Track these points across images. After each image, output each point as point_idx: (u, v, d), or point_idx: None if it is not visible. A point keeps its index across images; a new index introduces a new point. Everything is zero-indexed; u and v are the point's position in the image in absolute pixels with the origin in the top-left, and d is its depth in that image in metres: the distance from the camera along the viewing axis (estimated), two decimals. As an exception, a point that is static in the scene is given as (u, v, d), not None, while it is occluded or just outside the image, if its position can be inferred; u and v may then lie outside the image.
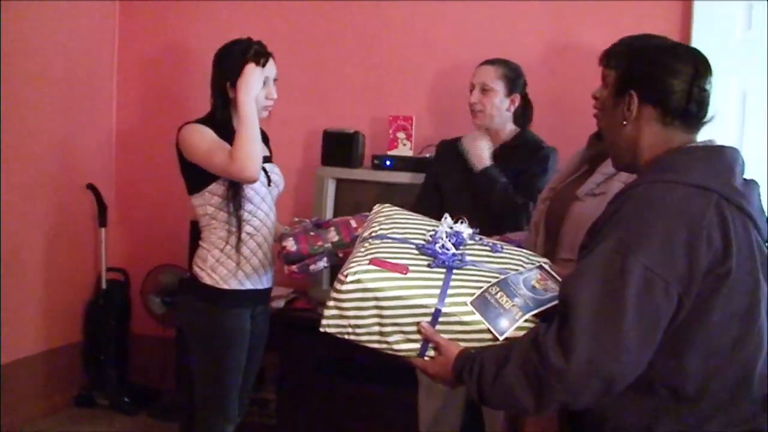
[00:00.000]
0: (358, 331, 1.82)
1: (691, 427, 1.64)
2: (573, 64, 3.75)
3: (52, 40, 4.14)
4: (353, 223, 2.62)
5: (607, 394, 1.59)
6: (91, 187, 4.38)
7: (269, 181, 2.92)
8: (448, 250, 1.86)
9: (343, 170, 3.82)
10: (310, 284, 3.78)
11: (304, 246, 2.62)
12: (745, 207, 1.66)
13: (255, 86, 2.78)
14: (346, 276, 1.79)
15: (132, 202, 4.62)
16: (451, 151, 3.35)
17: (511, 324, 1.72)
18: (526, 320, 1.73)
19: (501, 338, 1.72)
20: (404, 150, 3.86)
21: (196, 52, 4.19)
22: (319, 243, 2.62)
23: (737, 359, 1.65)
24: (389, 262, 1.82)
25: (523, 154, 3.22)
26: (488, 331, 1.73)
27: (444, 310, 1.76)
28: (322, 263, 2.65)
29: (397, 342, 1.81)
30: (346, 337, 1.85)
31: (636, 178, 1.78)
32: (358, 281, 1.79)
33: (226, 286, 2.84)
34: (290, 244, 2.62)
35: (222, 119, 2.83)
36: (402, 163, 3.77)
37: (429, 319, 1.77)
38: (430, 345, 1.79)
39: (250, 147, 2.70)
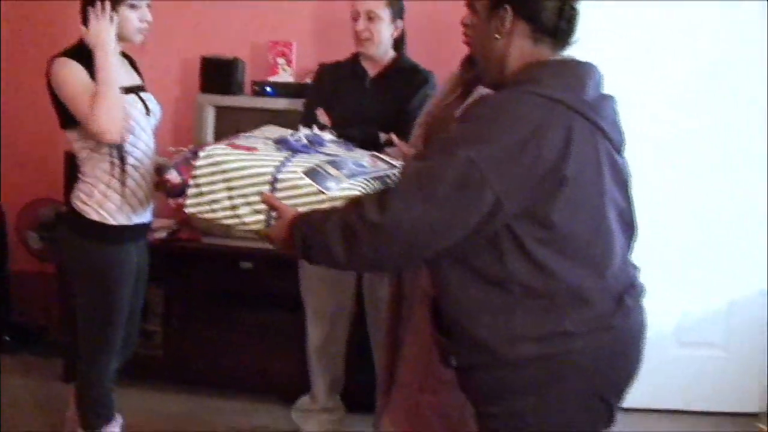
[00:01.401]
0: (214, 207, 2.00)
1: (546, 324, 1.73)
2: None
3: None
4: (233, 146, 2.61)
5: (408, 259, 1.80)
6: (-42, 121, 4.19)
7: (147, 110, 2.84)
8: (300, 140, 2.07)
9: (223, 98, 3.77)
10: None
11: (187, 177, 2.56)
12: (594, 118, 1.75)
13: (107, 38, 2.66)
14: (200, 154, 2.00)
15: (3, 135, 4.43)
16: (333, 75, 3.34)
17: (337, 185, 1.89)
18: (351, 189, 1.89)
19: (328, 195, 1.87)
20: (285, 76, 3.84)
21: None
22: None
23: (588, 260, 1.75)
24: (243, 145, 2.04)
25: (401, 79, 3.22)
26: (320, 192, 1.88)
27: (280, 176, 1.92)
28: None
29: (245, 215, 1.97)
30: (206, 216, 2.02)
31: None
32: (209, 156, 2.00)
33: (113, 222, 2.77)
34: (173, 177, 2.56)
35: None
36: (283, 90, 3.76)
37: (270, 188, 1.92)
38: (273, 215, 1.92)
39: (109, 107, 2.61)
